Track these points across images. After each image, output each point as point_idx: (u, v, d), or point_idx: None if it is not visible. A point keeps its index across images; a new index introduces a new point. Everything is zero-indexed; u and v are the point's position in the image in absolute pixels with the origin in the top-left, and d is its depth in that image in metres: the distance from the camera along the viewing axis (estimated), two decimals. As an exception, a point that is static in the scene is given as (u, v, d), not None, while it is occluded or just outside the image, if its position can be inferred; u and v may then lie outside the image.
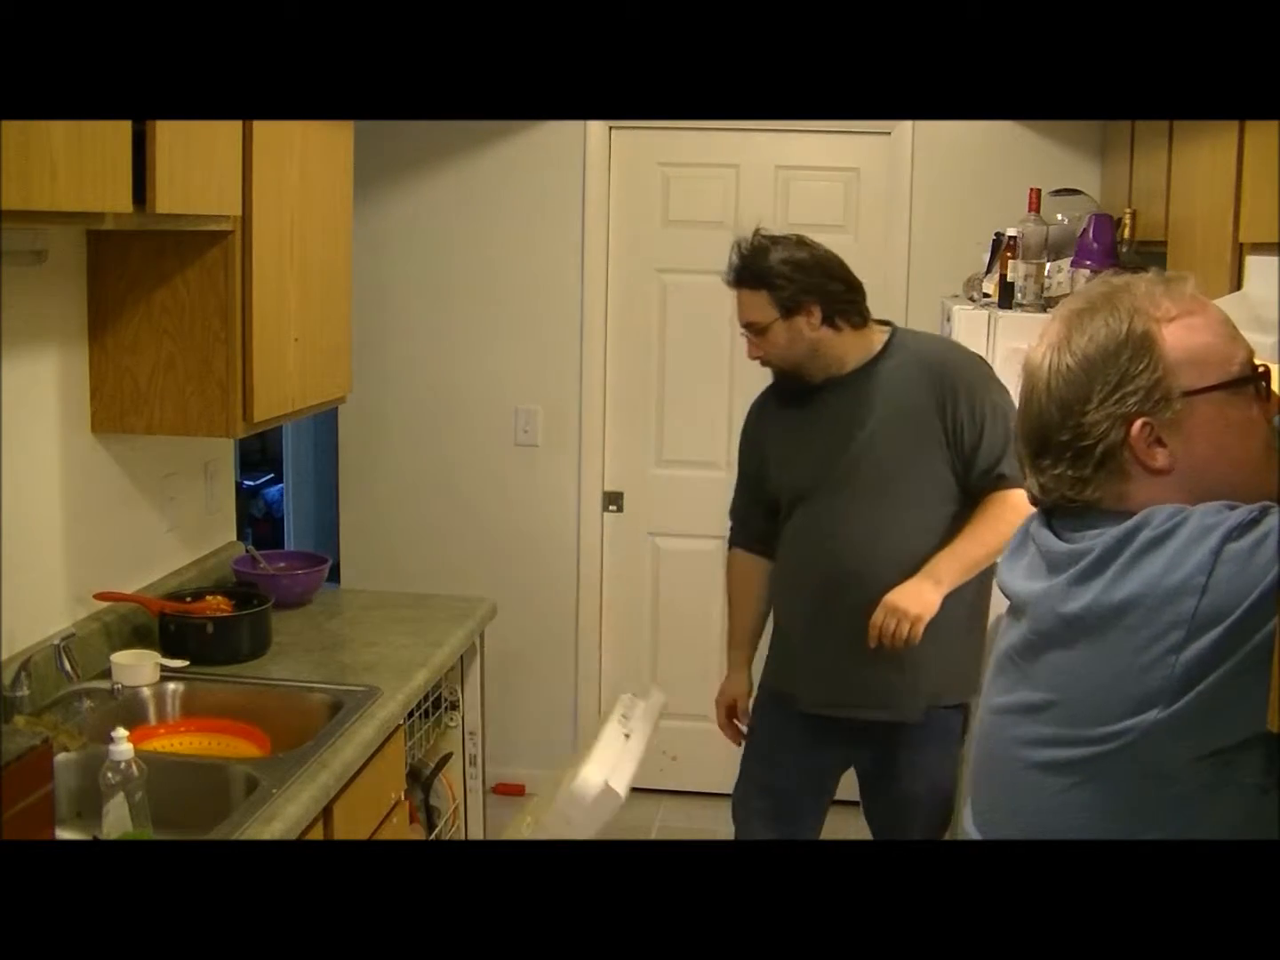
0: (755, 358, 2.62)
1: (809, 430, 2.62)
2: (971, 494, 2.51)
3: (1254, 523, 1.15)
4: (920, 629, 2.41)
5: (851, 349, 2.58)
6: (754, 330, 2.57)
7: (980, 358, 2.68)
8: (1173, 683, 1.16)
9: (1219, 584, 1.14)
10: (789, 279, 2.52)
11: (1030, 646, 1.32)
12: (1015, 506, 2.44)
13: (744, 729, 2.77)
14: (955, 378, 2.51)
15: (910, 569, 2.45)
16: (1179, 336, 1.27)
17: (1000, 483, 2.47)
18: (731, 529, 2.83)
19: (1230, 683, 1.14)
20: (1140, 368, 1.25)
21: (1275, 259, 2.19)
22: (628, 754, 2.61)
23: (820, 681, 2.61)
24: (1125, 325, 1.27)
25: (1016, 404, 1.39)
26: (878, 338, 2.60)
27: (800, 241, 2.57)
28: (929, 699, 2.56)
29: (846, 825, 2.89)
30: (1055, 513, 1.35)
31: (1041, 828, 1.28)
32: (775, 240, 2.56)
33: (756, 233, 2.58)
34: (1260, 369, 1.28)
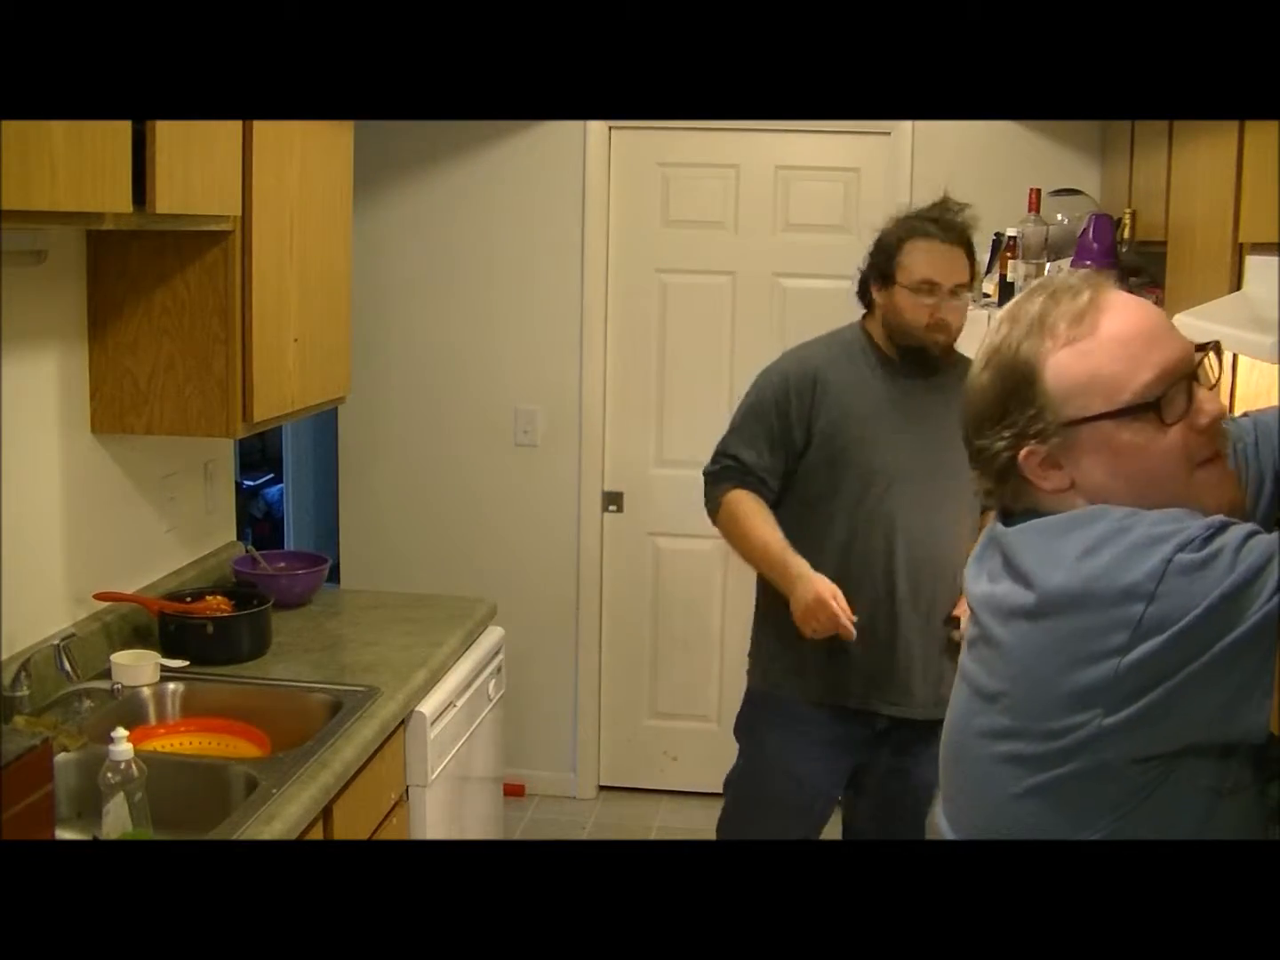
0: (943, 323, 2.38)
1: (906, 415, 2.46)
2: None
3: (1209, 538, 1.14)
4: None
5: None
6: (960, 293, 2.40)
7: None
8: (1116, 685, 1.15)
9: (1168, 594, 1.13)
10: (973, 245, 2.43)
11: (986, 634, 1.32)
12: None
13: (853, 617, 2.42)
14: None
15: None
16: (1064, 366, 1.23)
17: None
18: (734, 473, 2.56)
19: (1174, 693, 1.13)
20: (1018, 402, 1.24)
21: (1275, 259, 2.19)
22: None
23: (889, 680, 2.48)
24: (1013, 354, 1.25)
25: None
26: None
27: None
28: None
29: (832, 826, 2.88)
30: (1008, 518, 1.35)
31: (997, 819, 1.28)
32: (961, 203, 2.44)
33: (946, 194, 2.47)
34: (1165, 393, 1.21)
